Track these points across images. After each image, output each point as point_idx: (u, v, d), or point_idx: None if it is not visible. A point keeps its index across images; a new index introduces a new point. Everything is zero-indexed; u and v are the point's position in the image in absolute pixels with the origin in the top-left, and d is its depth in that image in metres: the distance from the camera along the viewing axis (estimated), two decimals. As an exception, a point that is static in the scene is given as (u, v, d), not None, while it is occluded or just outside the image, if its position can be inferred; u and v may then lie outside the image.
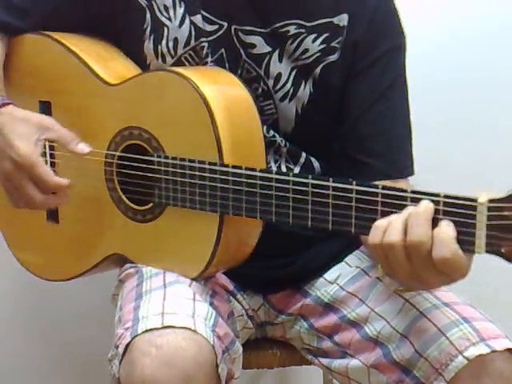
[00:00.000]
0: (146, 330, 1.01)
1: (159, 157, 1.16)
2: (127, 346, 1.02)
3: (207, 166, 1.11)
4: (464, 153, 1.79)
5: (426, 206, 0.93)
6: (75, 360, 1.84)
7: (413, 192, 0.95)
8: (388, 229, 0.94)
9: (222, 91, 1.14)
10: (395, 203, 0.96)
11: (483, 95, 1.77)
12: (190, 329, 1.01)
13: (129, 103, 1.20)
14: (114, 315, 1.18)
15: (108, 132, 1.21)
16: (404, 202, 0.95)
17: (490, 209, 0.89)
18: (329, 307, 1.26)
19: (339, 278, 1.27)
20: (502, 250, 0.89)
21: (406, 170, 1.24)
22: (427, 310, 1.11)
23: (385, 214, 0.96)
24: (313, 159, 1.27)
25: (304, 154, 1.26)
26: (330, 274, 1.29)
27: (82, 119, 1.24)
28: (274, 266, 1.27)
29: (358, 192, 0.99)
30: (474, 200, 0.90)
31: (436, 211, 0.93)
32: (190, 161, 1.12)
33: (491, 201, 0.89)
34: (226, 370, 1.06)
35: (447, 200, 0.92)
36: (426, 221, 0.92)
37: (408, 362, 1.10)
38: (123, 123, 1.20)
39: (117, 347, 1.05)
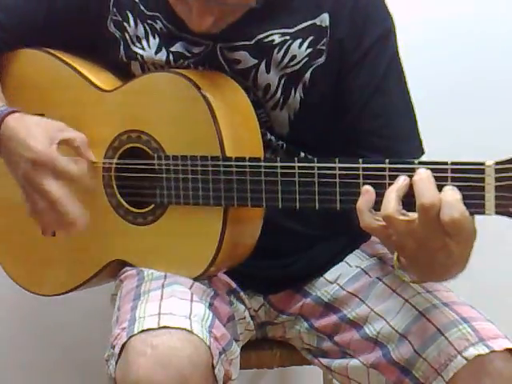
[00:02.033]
0: (142, 331, 1.01)
1: (159, 157, 1.16)
2: (123, 345, 1.02)
3: (210, 162, 1.11)
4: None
5: (426, 172, 0.94)
6: (76, 361, 1.84)
7: (420, 163, 0.96)
8: (383, 202, 0.95)
9: (220, 91, 1.15)
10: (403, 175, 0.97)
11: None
12: (186, 329, 1.01)
13: (126, 107, 1.20)
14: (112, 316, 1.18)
15: (106, 138, 1.21)
16: (413, 174, 0.95)
17: (497, 170, 0.91)
18: (329, 307, 1.26)
19: (339, 278, 1.27)
20: (511, 210, 0.91)
21: (412, 156, 1.22)
22: (427, 310, 1.11)
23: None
24: (311, 158, 1.26)
25: (302, 154, 1.25)
26: (331, 274, 1.28)
27: (78, 129, 1.23)
28: (274, 266, 1.28)
29: (364, 169, 1.00)
30: (482, 163, 0.92)
31: (444, 178, 0.94)
32: (192, 157, 1.12)
33: (498, 163, 0.91)
34: (223, 372, 1.06)
35: (455, 167, 0.94)
36: (433, 185, 0.93)
37: (407, 362, 1.10)
38: (121, 128, 1.20)
39: (113, 347, 1.05)
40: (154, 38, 1.21)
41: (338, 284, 1.26)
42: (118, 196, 1.22)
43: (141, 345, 1.00)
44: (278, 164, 1.07)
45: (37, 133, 1.15)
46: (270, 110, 1.21)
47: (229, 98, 1.16)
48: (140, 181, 1.19)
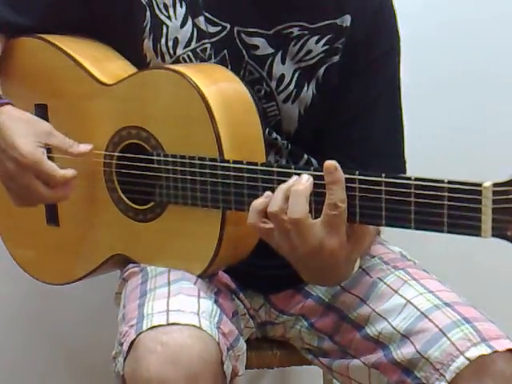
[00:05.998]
0: (151, 327, 1.01)
1: (158, 155, 1.15)
2: (132, 343, 1.01)
3: (208, 163, 1.10)
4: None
5: (306, 183, 0.97)
6: (77, 361, 1.84)
7: (416, 179, 0.94)
8: (271, 200, 0.98)
9: (219, 87, 1.14)
10: (399, 191, 0.95)
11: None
12: (195, 326, 1.01)
13: (126, 102, 1.20)
14: (114, 316, 1.18)
15: (106, 133, 1.21)
16: (408, 190, 0.94)
17: (495, 193, 0.89)
18: (330, 307, 1.25)
19: (340, 279, 1.27)
20: (508, 234, 0.89)
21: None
22: (428, 311, 1.11)
23: (387, 202, 0.96)
24: (314, 161, 1.26)
25: (305, 156, 1.26)
26: (331, 275, 1.28)
27: (78, 121, 1.24)
28: (274, 265, 1.26)
29: (360, 182, 0.99)
30: (479, 185, 0.90)
31: (441, 197, 0.92)
32: (190, 158, 1.12)
33: (496, 185, 0.89)
34: (230, 368, 1.05)
35: (451, 186, 0.92)
36: (305, 199, 0.95)
37: (409, 362, 1.10)
38: (121, 123, 1.19)
39: (121, 344, 1.04)
40: (181, 6, 1.21)
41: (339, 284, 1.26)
42: (119, 191, 1.22)
43: (150, 342, 0.99)
44: (275, 169, 1.05)
45: (24, 131, 1.16)
46: (281, 102, 1.22)
47: (229, 94, 1.14)
48: (140, 178, 1.19)
